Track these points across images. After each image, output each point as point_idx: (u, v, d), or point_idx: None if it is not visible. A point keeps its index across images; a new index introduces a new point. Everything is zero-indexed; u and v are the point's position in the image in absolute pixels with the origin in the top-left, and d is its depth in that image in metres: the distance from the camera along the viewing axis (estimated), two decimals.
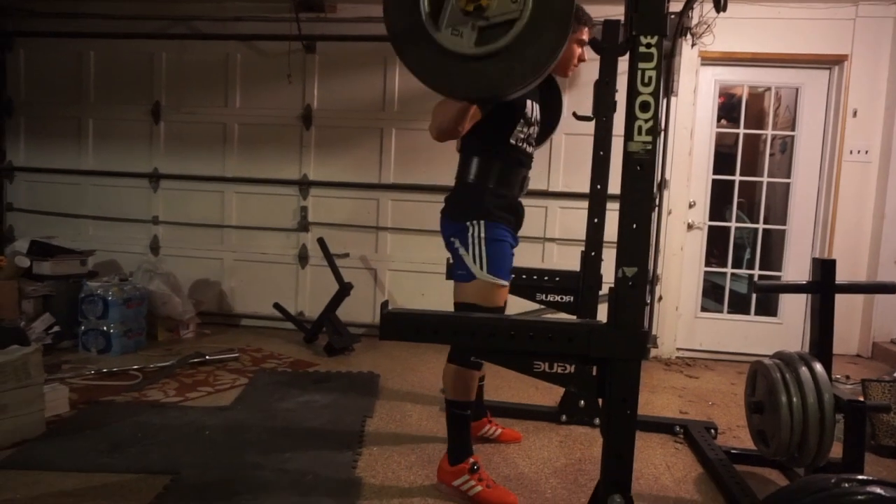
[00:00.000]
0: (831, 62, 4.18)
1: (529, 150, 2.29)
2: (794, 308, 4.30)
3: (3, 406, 2.39)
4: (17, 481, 2.14)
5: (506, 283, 2.17)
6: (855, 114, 4.15)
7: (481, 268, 2.10)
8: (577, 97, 4.21)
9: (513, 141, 2.19)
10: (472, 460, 2.17)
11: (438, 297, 4.26)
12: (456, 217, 2.18)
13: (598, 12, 2.81)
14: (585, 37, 2.41)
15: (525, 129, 2.22)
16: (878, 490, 1.10)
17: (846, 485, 1.13)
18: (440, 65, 1.56)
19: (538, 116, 2.30)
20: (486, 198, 2.15)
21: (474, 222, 2.12)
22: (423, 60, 1.57)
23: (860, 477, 1.17)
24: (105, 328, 3.73)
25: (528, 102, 2.20)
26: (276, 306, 4.32)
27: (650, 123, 1.50)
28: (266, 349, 4.02)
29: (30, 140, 4.86)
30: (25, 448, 2.38)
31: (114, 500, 2.04)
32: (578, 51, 2.39)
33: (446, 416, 2.23)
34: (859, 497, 1.10)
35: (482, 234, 2.12)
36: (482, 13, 1.50)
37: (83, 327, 3.77)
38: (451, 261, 2.25)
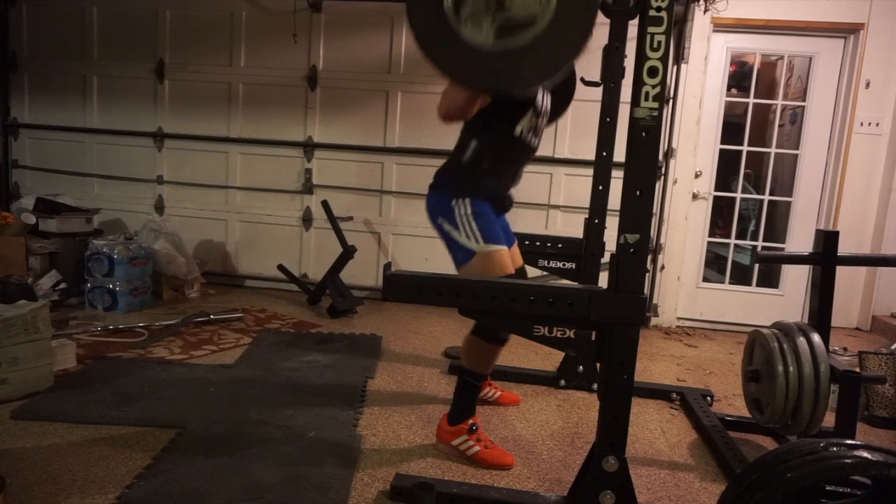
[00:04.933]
0: (847, 31, 4.09)
1: (534, 141, 2.26)
2: (796, 280, 4.31)
3: (14, 359, 2.44)
4: (29, 431, 2.20)
5: (506, 247, 2.17)
6: (868, 85, 4.08)
7: (477, 241, 2.10)
8: (586, 62, 4.11)
9: (518, 130, 2.16)
10: (471, 421, 2.21)
11: (442, 261, 4.25)
12: (442, 190, 2.17)
13: None
14: None
15: (533, 120, 2.19)
16: (865, 454, 1.12)
17: (834, 448, 1.16)
18: (461, 59, 1.53)
19: (548, 106, 2.27)
20: (475, 181, 2.14)
21: (459, 200, 2.12)
22: (445, 54, 1.55)
23: (848, 441, 1.19)
24: (111, 286, 3.77)
25: (540, 92, 2.18)
26: (281, 268, 4.35)
27: (657, 89, 1.49)
28: (270, 310, 4.07)
29: (34, 96, 4.83)
30: (35, 400, 2.44)
31: (122, 451, 2.10)
32: None
33: (458, 381, 2.25)
34: (846, 460, 1.12)
35: (468, 211, 2.11)
36: (504, 8, 1.47)
37: (89, 285, 3.82)
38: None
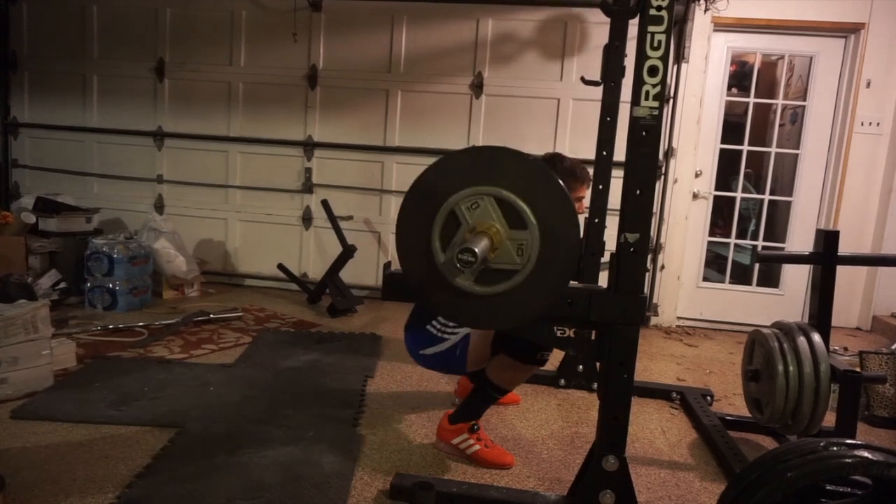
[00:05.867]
0: (848, 30, 4.09)
1: None
2: (796, 280, 4.31)
3: (14, 359, 2.44)
4: (29, 430, 2.20)
5: None
6: (868, 85, 4.08)
7: (459, 329, 2.20)
8: (586, 61, 4.16)
9: None
10: (472, 421, 2.21)
11: None
12: (413, 327, 2.27)
13: None
14: (583, 194, 2.56)
15: None
16: (866, 454, 1.12)
17: (835, 448, 1.16)
18: (450, 301, 1.65)
19: None
20: None
21: (433, 322, 2.23)
22: (438, 298, 1.66)
23: (848, 441, 1.19)
24: (111, 285, 3.77)
25: None
26: (281, 267, 4.35)
27: (658, 89, 1.49)
28: (269, 309, 4.07)
29: (34, 95, 4.82)
30: (35, 399, 2.44)
31: (121, 451, 2.10)
32: (578, 205, 2.46)
33: (475, 386, 2.24)
34: (847, 459, 1.12)
35: (441, 322, 2.22)
36: (486, 260, 1.56)
37: (89, 284, 3.82)
38: None
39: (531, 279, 1.57)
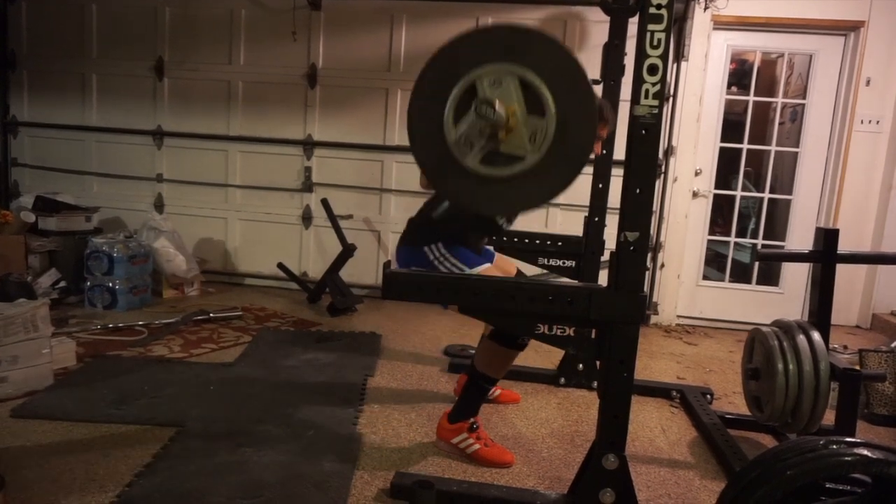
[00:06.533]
0: (847, 28, 4.09)
1: (506, 224, 2.34)
2: (796, 278, 4.31)
3: (14, 357, 2.44)
4: (29, 429, 2.20)
5: (488, 263, 2.22)
6: (868, 83, 4.08)
7: (461, 271, 2.11)
8: (586, 60, 4.12)
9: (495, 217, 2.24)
10: (472, 420, 2.21)
11: None
12: (412, 241, 2.18)
13: None
14: (604, 133, 2.52)
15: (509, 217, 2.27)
16: (865, 452, 1.12)
17: (834, 446, 1.16)
18: (460, 183, 1.61)
19: None
20: (444, 235, 2.15)
21: (431, 246, 2.13)
22: (450, 182, 1.63)
23: (848, 439, 1.19)
24: (111, 284, 3.77)
25: None
26: (280, 266, 4.35)
27: (657, 87, 1.49)
28: (269, 308, 4.07)
29: (33, 94, 4.82)
30: (35, 398, 2.44)
31: (122, 450, 2.10)
32: (596, 144, 2.45)
33: (467, 381, 2.25)
34: (846, 457, 1.12)
35: (442, 251, 2.12)
36: (496, 140, 1.53)
37: (89, 283, 3.82)
38: None
39: (536, 170, 1.54)
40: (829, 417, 2.10)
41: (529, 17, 4.21)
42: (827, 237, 2.25)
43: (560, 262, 2.94)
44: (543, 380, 2.98)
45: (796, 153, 4.29)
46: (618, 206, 1.61)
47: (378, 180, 4.51)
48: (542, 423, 2.55)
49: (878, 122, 4.13)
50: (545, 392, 2.89)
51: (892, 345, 2.86)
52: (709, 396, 2.90)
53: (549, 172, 1.55)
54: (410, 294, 1.74)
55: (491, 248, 2.52)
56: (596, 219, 2.85)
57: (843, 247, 2.30)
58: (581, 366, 2.94)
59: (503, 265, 2.40)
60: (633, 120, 1.51)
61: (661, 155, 4.12)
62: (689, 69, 4.10)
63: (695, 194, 4.29)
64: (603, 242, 2.87)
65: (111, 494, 1.82)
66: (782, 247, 4.34)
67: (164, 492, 1.84)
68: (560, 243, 2.94)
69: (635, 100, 1.51)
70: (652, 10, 1.46)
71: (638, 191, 1.54)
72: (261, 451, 2.13)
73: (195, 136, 4.63)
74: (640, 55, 1.48)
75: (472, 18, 4.22)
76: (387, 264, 1.79)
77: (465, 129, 1.55)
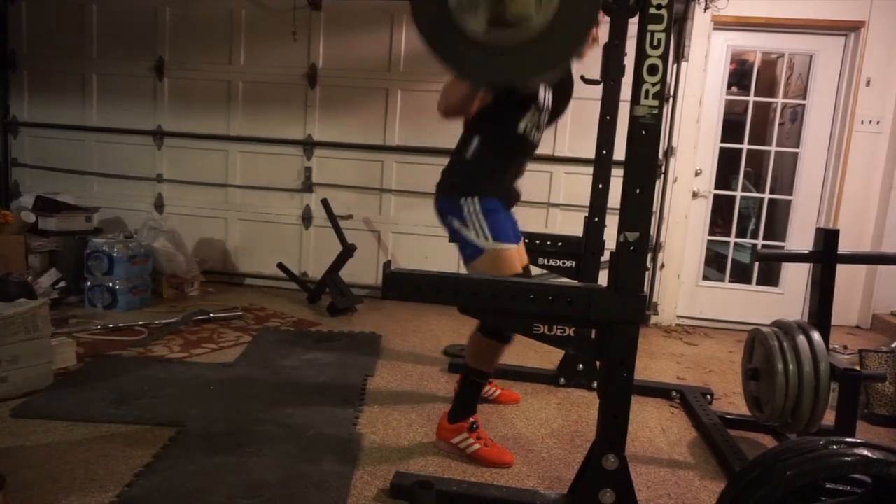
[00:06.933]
0: (847, 29, 4.09)
1: (536, 137, 2.25)
2: (796, 278, 4.31)
3: (14, 357, 2.44)
4: (28, 429, 2.20)
5: (515, 245, 2.16)
6: (868, 83, 4.08)
7: (486, 239, 2.08)
8: (586, 60, 4.13)
9: (521, 128, 2.15)
10: (471, 419, 2.21)
11: (442, 260, 4.28)
12: (449, 192, 2.15)
13: None
14: (597, 31, 2.41)
15: (535, 116, 2.18)
16: (865, 452, 1.12)
17: (834, 446, 1.16)
18: (464, 52, 1.56)
19: (549, 102, 2.26)
20: (481, 177, 2.13)
21: (468, 199, 2.10)
22: (449, 48, 1.56)
23: (848, 439, 1.19)
24: (111, 284, 3.77)
25: (541, 88, 2.17)
26: (280, 266, 4.35)
27: (657, 87, 1.49)
28: (269, 308, 4.07)
29: (33, 94, 4.82)
30: (35, 398, 2.44)
31: (122, 450, 2.10)
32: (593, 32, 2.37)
33: (461, 379, 2.25)
34: (846, 458, 1.12)
35: (477, 208, 2.09)
36: (502, 2, 1.49)
37: (89, 283, 3.82)
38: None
39: (540, 39, 1.50)
40: (829, 418, 2.10)
41: None
42: (827, 237, 2.25)
43: (560, 263, 2.94)
44: (543, 380, 2.98)
45: (796, 153, 4.29)
46: (618, 206, 1.61)
47: (378, 180, 4.51)
48: (542, 424, 2.55)
49: (878, 122, 4.13)
50: (545, 392, 2.89)
51: (893, 345, 2.86)
52: (709, 397, 2.90)
53: (554, 40, 1.49)
54: (410, 294, 1.73)
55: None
56: (596, 219, 2.85)
57: (843, 247, 2.30)
58: (581, 366, 2.94)
59: (523, 255, 2.36)
60: (634, 120, 1.51)
61: (661, 155, 4.12)
62: (690, 69, 4.10)
63: (695, 195, 4.29)
64: (603, 243, 2.87)
65: (111, 494, 1.82)
66: (782, 247, 4.34)
67: (164, 492, 1.84)
68: (560, 243, 2.94)
69: (635, 100, 1.51)
70: (652, 11, 1.46)
71: (638, 191, 1.54)
72: (261, 451, 2.13)
73: (195, 136, 4.64)
74: (640, 55, 1.48)
75: None
76: (387, 264, 1.79)
77: None
